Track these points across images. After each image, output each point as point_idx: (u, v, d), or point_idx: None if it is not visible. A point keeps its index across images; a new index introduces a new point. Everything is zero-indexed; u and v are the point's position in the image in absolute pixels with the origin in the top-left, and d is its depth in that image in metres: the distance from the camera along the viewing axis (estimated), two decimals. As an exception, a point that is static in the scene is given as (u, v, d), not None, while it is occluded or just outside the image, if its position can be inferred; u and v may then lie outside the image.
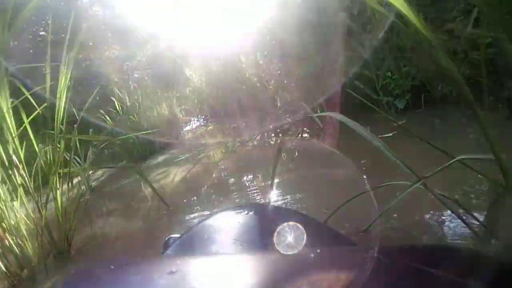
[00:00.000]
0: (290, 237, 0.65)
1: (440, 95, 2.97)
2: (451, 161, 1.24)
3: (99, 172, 5.73)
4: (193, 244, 0.87)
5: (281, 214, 1.08)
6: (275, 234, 0.66)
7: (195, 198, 2.92)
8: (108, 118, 6.93)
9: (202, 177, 3.42)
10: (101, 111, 6.97)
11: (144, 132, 5.27)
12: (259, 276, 0.49)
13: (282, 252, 0.60)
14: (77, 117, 6.30)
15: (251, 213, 0.96)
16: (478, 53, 2.84)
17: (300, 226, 0.68)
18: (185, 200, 2.91)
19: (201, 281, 0.49)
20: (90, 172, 5.67)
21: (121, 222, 3.02)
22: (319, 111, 3.78)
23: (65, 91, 2.42)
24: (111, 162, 5.75)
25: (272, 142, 3.87)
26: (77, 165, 4.28)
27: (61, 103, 2.36)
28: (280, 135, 3.87)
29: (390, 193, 1.83)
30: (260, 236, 0.82)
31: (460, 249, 0.61)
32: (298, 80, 4.16)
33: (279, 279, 0.47)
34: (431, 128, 2.66)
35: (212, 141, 4.95)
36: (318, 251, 0.52)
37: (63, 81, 2.40)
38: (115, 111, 7.07)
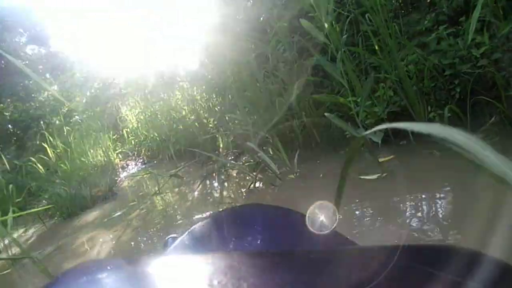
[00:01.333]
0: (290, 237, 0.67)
1: (425, 121, 2.37)
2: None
3: (32, 231, 4.87)
4: (192, 244, 0.83)
5: (281, 214, 1.01)
6: (275, 233, 0.70)
7: None
8: (39, 166, 6.26)
9: (132, 249, 2.72)
10: (33, 158, 6.36)
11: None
12: (259, 276, 0.46)
13: (282, 252, 0.57)
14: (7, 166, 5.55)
15: (251, 212, 0.95)
16: (469, 66, 2.29)
17: (300, 226, 0.67)
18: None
19: (201, 281, 0.45)
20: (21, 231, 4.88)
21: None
22: (271, 152, 3.19)
23: None
24: (38, 220, 4.93)
25: (216, 195, 3.17)
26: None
27: None
28: (226, 184, 3.21)
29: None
30: (260, 235, 0.79)
31: (460, 250, 0.51)
32: (243, 116, 3.55)
33: (279, 279, 0.45)
34: (435, 163, 2.06)
35: (148, 192, 4.22)
36: (318, 251, 0.51)
37: None
38: (47, 158, 6.36)
